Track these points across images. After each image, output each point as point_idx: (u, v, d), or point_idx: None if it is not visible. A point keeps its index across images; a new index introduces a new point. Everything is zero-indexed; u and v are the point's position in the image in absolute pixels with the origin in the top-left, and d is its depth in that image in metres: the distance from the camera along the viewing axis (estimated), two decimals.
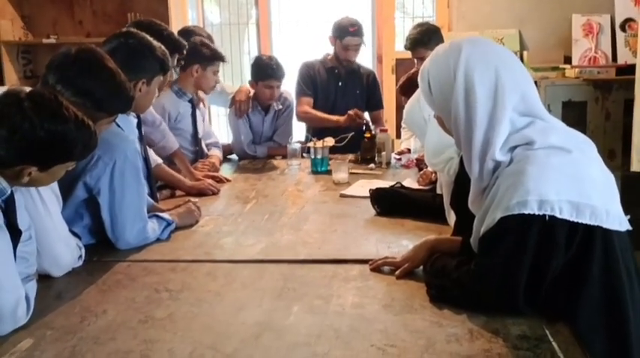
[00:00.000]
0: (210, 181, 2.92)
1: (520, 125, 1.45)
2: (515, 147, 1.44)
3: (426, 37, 3.49)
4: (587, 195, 1.36)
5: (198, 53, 3.08)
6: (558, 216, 1.33)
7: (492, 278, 1.42)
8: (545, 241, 1.36)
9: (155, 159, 2.73)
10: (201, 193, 2.79)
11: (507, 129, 1.44)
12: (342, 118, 3.60)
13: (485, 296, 1.45)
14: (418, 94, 2.06)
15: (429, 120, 1.99)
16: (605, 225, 1.36)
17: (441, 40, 3.54)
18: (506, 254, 1.39)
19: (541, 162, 1.38)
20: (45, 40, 4.45)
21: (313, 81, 3.81)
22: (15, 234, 1.51)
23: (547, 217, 1.33)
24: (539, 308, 1.41)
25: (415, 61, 3.56)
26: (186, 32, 3.43)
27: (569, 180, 1.37)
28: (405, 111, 2.27)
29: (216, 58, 3.19)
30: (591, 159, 1.46)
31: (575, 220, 1.34)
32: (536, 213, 1.33)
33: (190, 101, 3.22)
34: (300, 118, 3.84)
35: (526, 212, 1.34)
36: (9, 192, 1.49)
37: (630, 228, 1.43)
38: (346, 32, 3.66)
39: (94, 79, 1.78)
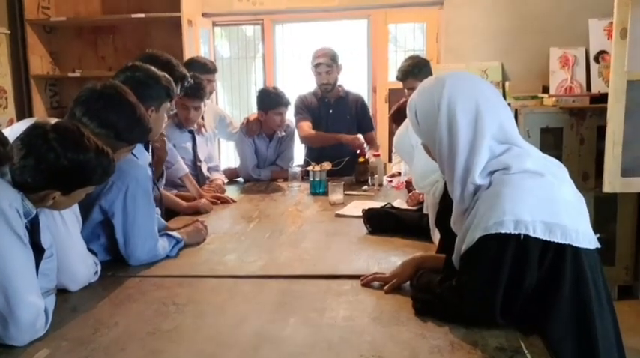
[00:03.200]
0: (204, 201, 2.90)
1: (498, 151, 1.45)
2: (493, 172, 1.43)
3: (416, 69, 3.50)
4: (558, 215, 1.35)
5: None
6: (532, 235, 1.33)
7: (472, 293, 1.41)
8: (520, 258, 1.35)
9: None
10: (197, 212, 2.79)
11: (487, 155, 1.44)
12: (347, 137, 3.60)
13: (465, 309, 1.44)
14: (407, 123, 2.07)
15: (416, 147, 1.99)
16: (575, 244, 1.36)
17: (429, 71, 3.56)
18: (485, 271, 1.38)
19: (516, 185, 1.37)
20: (71, 74, 4.49)
21: (307, 108, 3.82)
22: (38, 251, 1.52)
23: (522, 236, 1.33)
24: (514, 321, 1.40)
25: (406, 91, 3.57)
26: (190, 63, 3.42)
27: (542, 202, 1.36)
28: (394, 138, 2.27)
29: (192, 94, 3.00)
30: (563, 183, 1.46)
31: (548, 239, 1.34)
32: (512, 232, 1.33)
33: (190, 131, 3.22)
34: (305, 139, 3.82)
35: (503, 231, 1.33)
36: (34, 213, 1.50)
37: (599, 245, 1.42)
38: (315, 58, 3.72)
39: (117, 113, 1.80)
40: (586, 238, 1.38)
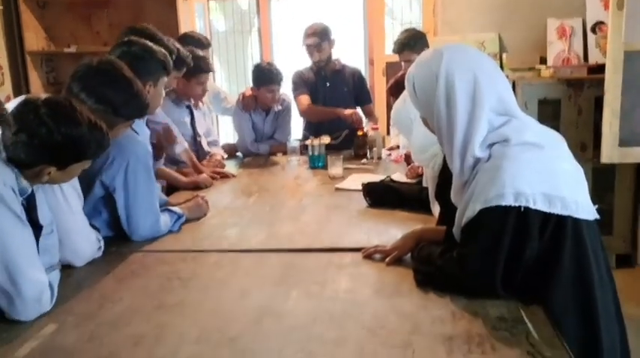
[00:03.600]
0: (204, 176, 2.90)
1: (497, 124, 1.44)
2: (492, 144, 1.43)
3: (412, 41, 3.48)
4: (558, 187, 1.36)
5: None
6: (532, 207, 1.33)
7: (473, 265, 1.42)
8: (521, 230, 1.35)
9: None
10: (197, 187, 2.79)
11: (485, 127, 1.43)
12: (343, 111, 3.59)
13: (466, 281, 1.45)
14: (404, 96, 2.05)
15: (414, 120, 1.98)
16: (575, 215, 1.36)
17: (426, 44, 3.53)
18: (485, 242, 1.39)
19: (516, 158, 1.37)
20: (66, 50, 4.43)
21: (305, 83, 3.80)
22: (36, 228, 1.51)
23: (522, 208, 1.33)
24: (515, 292, 1.41)
25: (402, 63, 3.55)
26: (183, 38, 3.40)
27: (541, 174, 1.36)
28: (392, 111, 2.26)
29: (201, 70, 3.04)
30: (562, 154, 1.46)
31: (548, 211, 1.34)
32: (513, 204, 1.33)
33: (188, 107, 3.20)
34: (304, 114, 3.82)
35: (503, 203, 1.34)
36: (30, 191, 1.49)
37: (598, 216, 1.43)
38: (304, 37, 3.70)
39: (114, 89, 1.78)
40: (585, 209, 1.39)
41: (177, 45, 2.60)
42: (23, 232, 1.45)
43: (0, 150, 1.45)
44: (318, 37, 3.67)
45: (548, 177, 1.37)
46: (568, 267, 1.37)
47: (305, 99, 3.76)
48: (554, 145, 1.45)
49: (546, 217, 1.35)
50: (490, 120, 1.44)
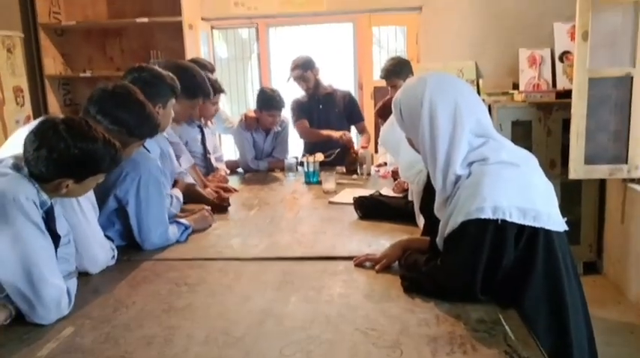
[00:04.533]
0: (208, 190, 2.89)
1: (476, 144, 1.46)
2: (472, 163, 1.45)
3: (397, 68, 3.54)
4: (532, 201, 1.38)
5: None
6: (509, 219, 1.35)
7: (455, 273, 1.43)
8: (498, 241, 1.37)
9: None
10: (222, 206, 2.75)
11: (466, 147, 1.45)
12: (335, 133, 3.62)
13: (448, 286, 1.46)
14: (392, 120, 2.07)
15: (401, 141, 2.00)
16: (547, 227, 1.38)
17: (410, 70, 3.58)
18: (467, 252, 1.40)
19: (494, 175, 1.39)
20: (81, 74, 4.44)
21: (302, 109, 3.85)
22: (55, 238, 1.52)
23: (499, 221, 1.35)
24: (493, 297, 1.43)
25: (389, 88, 3.59)
26: (191, 62, 3.42)
27: (517, 190, 1.38)
28: (381, 133, 2.28)
29: (215, 91, 3.09)
30: (535, 172, 1.48)
31: (523, 223, 1.36)
32: (491, 217, 1.35)
33: (199, 126, 3.21)
34: (302, 137, 3.88)
35: (482, 216, 1.35)
36: (49, 203, 1.50)
37: (567, 228, 1.45)
38: (290, 71, 3.77)
39: (127, 111, 1.79)
40: (556, 221, 1.41)
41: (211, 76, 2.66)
42: (44, 242, 1.45)
43: (22, 167, 1.47)
44: (301, 69, 3.72)
45: (523, 192, 1.38)
46: (541, 273, 1.39)
47: (302, 124, 3.81)
48: (527, 163, 1.48)
49: (521, 229, 1.37)
50: (470, 140, 1.46)
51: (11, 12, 4.05)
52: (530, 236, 1.38)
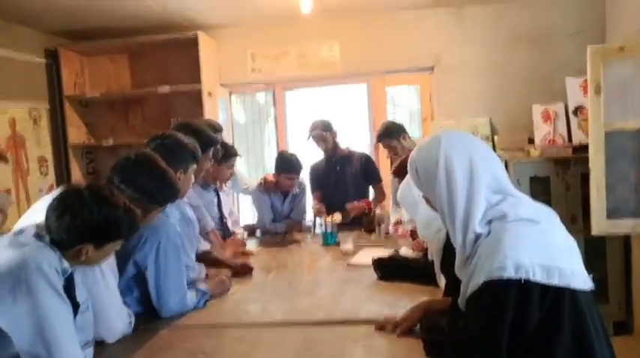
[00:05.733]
0: (227, 254, 2.89)
1: (494, 201, 1.44)
2: (491, 221, 1.42)
3: (388, 131, 3.64)
4: (555, 259, 1.33)
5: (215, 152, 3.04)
6: (532, 278, 1.30)
7: (479, 337, 1.37)
8: (522, 301, 1.31)
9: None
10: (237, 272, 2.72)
11: (484, 204, 1.43)
12: (350, 206, 3.63)
13: (473, 349, 1.40)
14: (408, 178, 2.07)
15: (418, 200, 1.99)
16: (572, 285, 1.33)
17: (402, 130, 3.66)
18: (490, 314, 1.34)
19: (515, 232, 1.36)
20: (104, 143, 4.55)
21: (318, 177, 3.91)
22: (74, 306, 1.51)
23: (522, 280, 1.30)
24: None
25: (387, 150, 3.70)
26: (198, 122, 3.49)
27: (539, 247, 1.34)
28: (398, 193, 2.27)
29: (231, 155, 3.19)
30: (556, 228, 1.44)
31: (547, 282, 1.31)
32: (514, 276, 1.30)
33: (215, 190, 3.24)
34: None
35: (505, 275, 1.31)
36: (70, 271, 1.50)
37: (593, 286, 1.39)
38: (310, 131, 3.84)
39: (149, 179, 1.82)
40: (581, 279, 1.36)
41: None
42: (64, 310, 1.45)
43: (43, 235, 1.48)
44: (321, 129, 3.80)
45: (545, 250, 1.35)
46: (569, 336, 1.33)
47: (317, 196, 3.87)
48: (547, 219, 1.44)
49: (545, 288, 1.31)
50: (487, 197, 1.44)
51: (39, 84, 4.23)
52: (556, 296, 1.32)
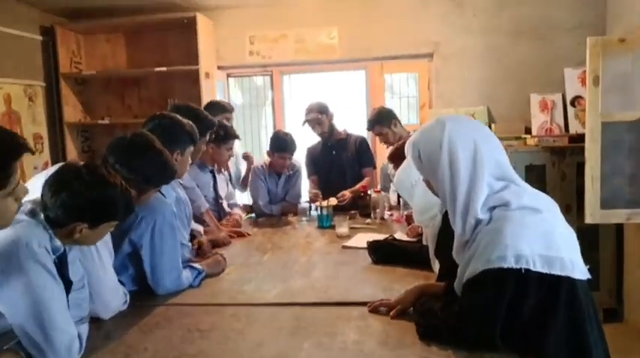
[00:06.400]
0: (223, 234, 2.91)
1: (497, 188, 1.44)
2: (494, 208, 1.41)
3: (379, 117, 3.66)
4: (556, 249, 1.33)
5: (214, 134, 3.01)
6: (532, 269, 1.30)
7: (474, 319, 1.39)
8: (520, 290, 1.32)
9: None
10: (216, 245, 2.78)
11: (486, 191, 1.42)
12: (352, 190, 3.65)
13: (467, 333, 1.42)
14: (406, 164, 2.07)
15: (415, 185, 1.99)
16: (572, 275, 1.33)
17: (392, 117, 3.66)
18: (486, 300, 1.36)
19: (517, 222, 1.35)
20: (100, 122, 4.53)
21: (314, 160, 3.91)
22: (67, 284, 1.51)
23: (523, 270, 1.30)
24: (513, 345, 1.38)
25: (376, 137, 3.72)
26: (210, 105, 3.48)
27: (540, 237, 1.34)
28: (395, 178, 2.26)
29: (230, 137, 3.17)
30: (557, 218, 1.44)
31: (548, 272, 1.31)
32: (514, 266, 1.31)
33: (211, 172, 3.24)
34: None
35: (505, 265, 1.31)
36: (62, 249, 1.50)
37: (590, 277, 1.39)
38: (305, 114, 3.81)
39: (144, 160, 1.82)
40: (579, 269, 1.36)
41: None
42: (55, 288, 1.45)
43: (38, 212, 1.47)
44: (316, 112, 3.78)
45: (547, 240, 1.34)
46: (563, 322, 1.34)
47: (312, 179, 3.89)
48: (549, 209, 1.44)
49: (543, 275, 1.32)
50: (490, 183, 1.43)
51: (34, 62, 4.19)
52: (553, 284, 1.33)
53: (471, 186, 1.42)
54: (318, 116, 3.78)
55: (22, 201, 1.35)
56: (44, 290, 1.41)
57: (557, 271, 1.32)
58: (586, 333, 1.35)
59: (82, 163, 1.53)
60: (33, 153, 1.37)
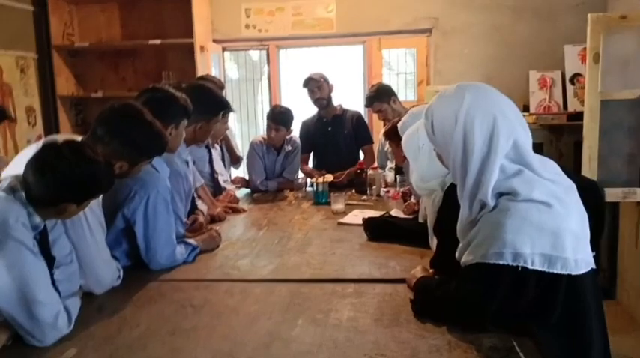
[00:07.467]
0: (218, 210, 2.89)
1: (510, 172, 1.33)
2: (501, 195, 1.33)
3: (378, 94, 3.61)
4: (561, 248, 1.27)
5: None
6: (530, 267, 1.26)
7: (468, 306, 1.37)
8: (516, 286, 1.28)
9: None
10: (212, 220, 2.78)
11: (497, 175, 1.33)
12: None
13: (459, 317, 1.41)
14: (417, 126, 1.95)
15: (421, 149, 1.90)
16: (573, 273, 1.28)
17: (391, 93, 3.62)
18: (481, 290, 1.32)
19: (520, 216, 1.27)
20: (94, 94, 4.47)
21: (308, 135, 3.85)
22: (49, 260, 1.50)
23: (520, 268, 1.26)
24: (506, 328, 1.37)
25: (376, 114, 3.66)
26: (201, 79, 3.43)
27: (546, 235, 1.27)
28: (404, 137, 2.15)
29: (227, 111, 3.11)
30: (570, 209, 1.33)
31: (547, 270, 1.26)
32: (510, 264, 1.26)
33: (206, 147, 3.20)
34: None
35: (501, 263, 1.26)
36: (42, 226, 1.48)
37: (595, 266, 1.35)
38: (305, 79, 3.75)
39: (135, 131, 1.78)
40: (584, 263, 1.30)
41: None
42: (36, 263, 1.43)
43: (18, 189, 1.44)
44: (319, 76, 3.73)
45: (553, 239, 1.27)
46: (562, 314, 1.31)
47: (303, 157, 3.84)
48: (562, 199, 1.32)
49: (542, 273, 1.27)
50: (503, 166, 1.33)
51: (26, 33, 4.11)
52: (552, 280, 1.28)
53: (483, 168, 1.33)
54: (322, 80, 3.73)
55: (4, 175, 1.32)
56: (24, 267, 1.39)
57: (557, 270, 1.27)
58: (585, 329, 1.33)
59: (62, 142, 1.49)
60: (12, 119, 1.34)
